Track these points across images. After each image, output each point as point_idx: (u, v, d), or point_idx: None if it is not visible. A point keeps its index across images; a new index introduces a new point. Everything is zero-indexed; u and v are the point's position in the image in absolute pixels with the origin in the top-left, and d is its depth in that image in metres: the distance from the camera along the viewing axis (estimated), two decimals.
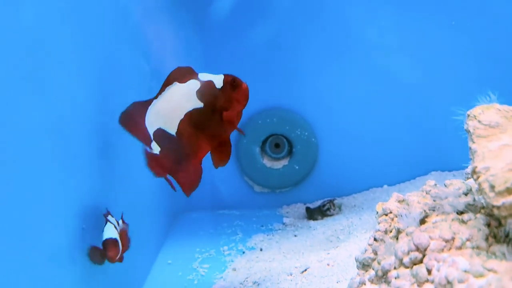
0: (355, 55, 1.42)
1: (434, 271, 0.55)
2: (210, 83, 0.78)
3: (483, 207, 0.65)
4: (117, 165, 0.84)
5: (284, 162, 1.48)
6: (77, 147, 0.68)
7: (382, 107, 1.45)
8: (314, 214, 1.35)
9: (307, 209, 1.38)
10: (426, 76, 1.42)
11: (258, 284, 0.92)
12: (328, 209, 1.34)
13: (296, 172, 1.47)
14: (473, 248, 0.56)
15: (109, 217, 0.75)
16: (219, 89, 0.78)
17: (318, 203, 1.41)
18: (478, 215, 0.61)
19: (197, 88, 0.77)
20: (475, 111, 0.62)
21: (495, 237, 0.58)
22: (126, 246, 0.75)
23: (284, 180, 1.48)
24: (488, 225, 0.59)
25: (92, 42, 0.76)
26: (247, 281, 0.94)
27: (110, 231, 0.71)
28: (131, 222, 0.92)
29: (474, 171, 0.55)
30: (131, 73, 1.00)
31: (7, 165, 0.49)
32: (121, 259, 0.73)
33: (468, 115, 0.62)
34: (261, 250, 1.13)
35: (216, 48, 1.42)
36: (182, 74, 0.78)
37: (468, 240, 0.57)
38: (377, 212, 0.74)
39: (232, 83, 0.78)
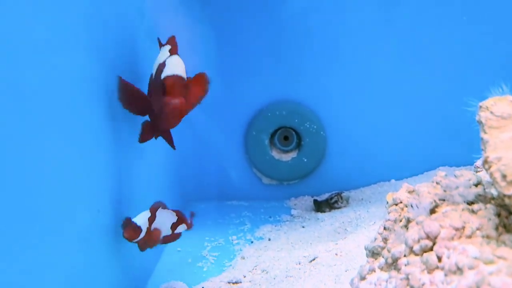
0: (365, 49, 1.42)
1: (444, 258, 0.55)
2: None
3: (493, 198, 0.65)
4: (127, 159, 0.85)
5: (293, 154, 1.49)
6: (95, 140, 0.70)
7: (391, 102, 1.45)
8: (321, 206, 1.36)
9: (315, 201, 1.39)
10: (436, 72, 1.42)
11: (267, 272, 0.93)
12: (336, 201, 1.35)
13: (304, 165, 1.48)
14: (483, 237, 0.57)
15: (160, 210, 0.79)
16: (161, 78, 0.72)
17: (325, 196, 1.42)
18: (488, 206, 0.62)
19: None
20: (488, 102, 0.63)
21: (505, 227, 0.59)
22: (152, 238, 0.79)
23: (292, 173, 1.49)
24: (498, 215, 0.60)
25: (110, 35, 0.78)
26: (256, 269, 0.96)
27: (140, 217, 0.77)
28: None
29: (485, 161, 0.55)
30: (147, 65, 1.01)
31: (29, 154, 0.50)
32: (141, 247, 0.78)
33: (481, 107, 0.63)
34: (269, 240, 1.15)
35: (229, 43, 1.43)
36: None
37: (478, 229, 0.58)
38: (387, 202, 0.75)
39: (162, 85, 0.71)
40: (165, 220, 0.81)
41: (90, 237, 0.66)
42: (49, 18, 0.56)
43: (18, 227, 0.47)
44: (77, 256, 0.62)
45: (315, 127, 1.45)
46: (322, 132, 1.46)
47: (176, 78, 0.71)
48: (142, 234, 0.76)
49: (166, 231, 0.83)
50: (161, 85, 0.71)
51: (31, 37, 0.51)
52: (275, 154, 1.49)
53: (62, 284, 0.56)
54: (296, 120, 1.45)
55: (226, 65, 1.42)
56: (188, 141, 1.40)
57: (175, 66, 0.74)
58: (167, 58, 0.76)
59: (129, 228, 0.74)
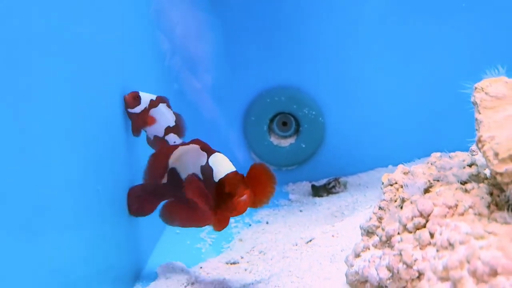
0: (363, 35, 1.43)
1: (436, 235, 0.57)
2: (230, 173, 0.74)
3: (486, 178, 0.67)
4: (127, 140, 0.86)
5: (291, 140, 1.50)
6: (100, 126, 0.71)
7: (390, 89, 1.46)
8: (319, 191, 1.37)
9: (313, 186, 1.40)
10: (435, 60, 1.42)
11: (264, 253, 0.95)
12: (334, 186, 1.36)
13: (302, 151, 1.49)
14: (475, 214, 0.58)
15: None
16: (215, 181, 0.72)
17: (323, 181, 1.43)
18: (481, 185, 0.63)
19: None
20: (483, 83, 0.63)
21: (496, 205, 0.60)
22: None
23: (290, 158, 1.50)
24: (491, 194, 0.61)
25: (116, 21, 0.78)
26: (253, 250, 0.97)
27: None
28: None
29: (479, 140, 0.56)
30: (151, 52, 1.02)
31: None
32: None
33: (476, 88, 0.64)
34: (267, 223, 1.16)
35: (230, 29, 1.43)
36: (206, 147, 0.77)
37: (470, 207, 0.59)
38: (383, 183, 0.76)
39: (226, 187, 0.72)
40: None
41: (90, 219, 0.67)
42: None
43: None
44: (79, 238, 0.62)
45: (313, 113, 1.46)
46: (320, 118, 1.47)
47: (231, 177, 0.73)
48: None
49: None
50: (223, 185, 0.72)
51: None
52: (274, 139, 1.50)
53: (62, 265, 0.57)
54: (295, 106, 1.46)
55: (225, 51, 1.42)
56: (188, 124, 1.40)
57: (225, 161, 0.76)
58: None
59: None
